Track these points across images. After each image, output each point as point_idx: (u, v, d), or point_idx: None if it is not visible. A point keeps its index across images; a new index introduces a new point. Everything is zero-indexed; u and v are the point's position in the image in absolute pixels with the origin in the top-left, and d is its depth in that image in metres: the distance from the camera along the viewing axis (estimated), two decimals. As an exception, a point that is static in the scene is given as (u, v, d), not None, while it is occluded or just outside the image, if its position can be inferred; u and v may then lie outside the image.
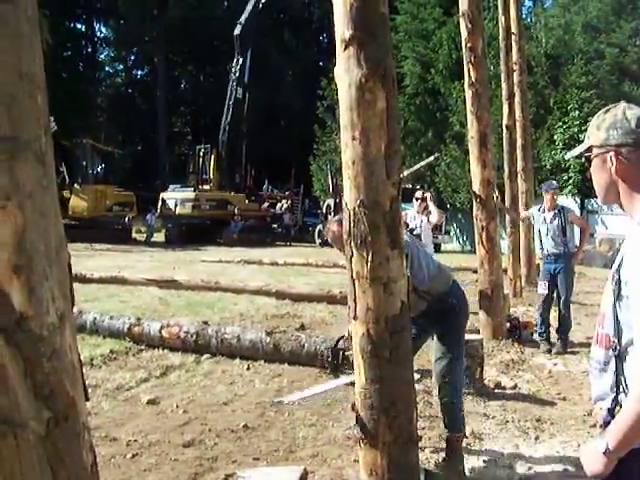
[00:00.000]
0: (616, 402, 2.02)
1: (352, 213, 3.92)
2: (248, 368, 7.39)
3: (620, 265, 1.99)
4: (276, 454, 4.96)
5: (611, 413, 2.03)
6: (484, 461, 4.83)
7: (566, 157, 2.57)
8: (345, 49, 3.78)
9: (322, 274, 17.31)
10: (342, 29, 3.77)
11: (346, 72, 3.86)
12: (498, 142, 14.61)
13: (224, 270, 17.70)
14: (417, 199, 9.80)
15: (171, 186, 34.28)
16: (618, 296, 1.97)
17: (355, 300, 3.98)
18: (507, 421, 5.73)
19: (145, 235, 33.76)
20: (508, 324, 8.96)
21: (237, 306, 11.63)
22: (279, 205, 36.56)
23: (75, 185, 31.53)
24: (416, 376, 4.84)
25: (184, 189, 33.04)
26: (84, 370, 6.05)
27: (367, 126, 3.83)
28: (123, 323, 8.57)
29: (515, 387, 6.73)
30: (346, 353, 6.92)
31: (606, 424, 2.04)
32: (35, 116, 1.43)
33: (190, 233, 31.02)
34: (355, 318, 4.00)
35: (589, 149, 2.18)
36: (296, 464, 4.65)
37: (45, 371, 1.39)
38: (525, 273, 14.02)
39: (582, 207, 27.22)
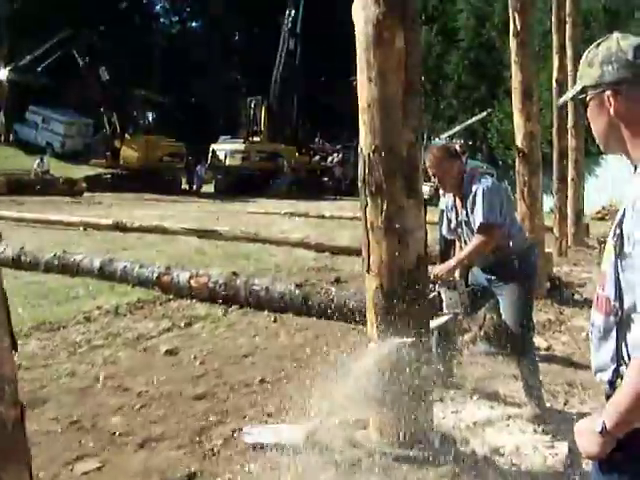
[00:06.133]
0: (617, 374, 1.74)
1: (367, 159, 3.67)
2: (275, 320, 7.20)
3: (622, 218, 1.67)
4: (289, 411, 4.78)
5: (612, 386, 1.76)
6: (507, 425, 4.58)
7: (559, 103, 2.23)
8: (363, -17, 3.53)
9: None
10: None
11: (363, 9, 3.61)
12: (550, 97, 14.13)
13: (268, 222, 17.55)
14: None
15: (221, 137, 34.31)
16: (620, 253, 1.67)
17: (369, 252, 3.75)
18: (537, 384, 5.45)
19: (194, 186, 33.98)
20: (548, 283, 8.58)
21: (274, 258, 11.46)
22: (330, 158, 36.22)
23: (126, 135, 31.69)
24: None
25: (234, 140, 32.98)
26: (107, 319, 5.85)
27: (384, 67, 3.59)
28: (152, 272, 8.42)
29: (549, 348, 6.39)
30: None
31: (608, 397, 1.77)
32: None
33: (239, 184, 31.01)
34: (368, 271, 3.79)
35: (583, 91, 1.84)
36: (308, 421, 4.47)
37: None
38: (572, 232, 13.51)
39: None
